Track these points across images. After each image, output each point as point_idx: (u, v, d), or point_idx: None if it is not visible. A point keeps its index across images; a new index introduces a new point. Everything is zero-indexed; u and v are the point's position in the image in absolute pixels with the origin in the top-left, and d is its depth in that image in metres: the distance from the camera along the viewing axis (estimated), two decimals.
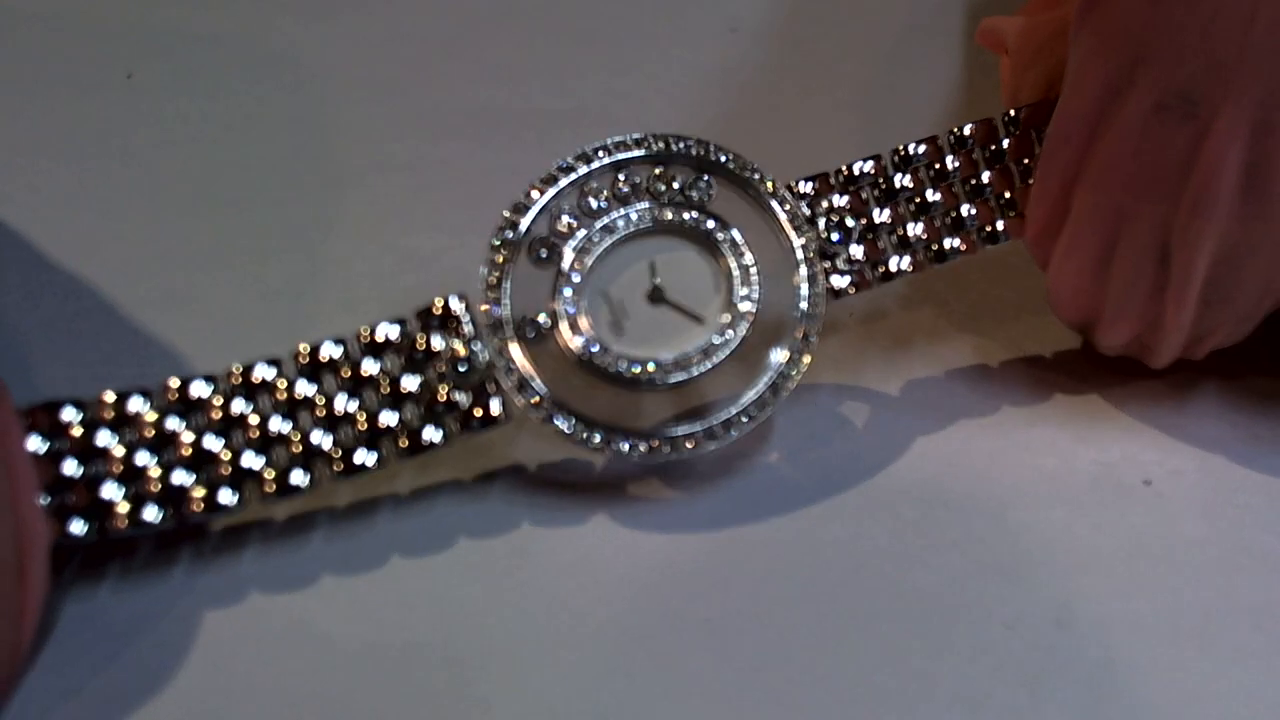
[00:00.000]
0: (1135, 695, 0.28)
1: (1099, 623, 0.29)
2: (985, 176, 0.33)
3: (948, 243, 0.33)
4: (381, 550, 0.31)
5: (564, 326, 0.31)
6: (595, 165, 0.31)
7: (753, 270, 0.32)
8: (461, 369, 0.30)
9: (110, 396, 0.29)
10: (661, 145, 0.31)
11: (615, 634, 0.29)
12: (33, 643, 0.28)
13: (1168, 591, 0.30)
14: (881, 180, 0.33)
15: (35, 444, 0.29)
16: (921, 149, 0.33)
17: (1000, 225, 0.33)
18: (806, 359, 0.32)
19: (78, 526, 0.28)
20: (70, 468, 0.29)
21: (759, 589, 0.30)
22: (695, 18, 0.49)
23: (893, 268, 0.33)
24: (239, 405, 0.30)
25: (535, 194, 0.31)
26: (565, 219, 0.31)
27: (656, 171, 0.31)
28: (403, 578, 0.30)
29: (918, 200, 0.33)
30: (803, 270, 0.32)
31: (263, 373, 0.30)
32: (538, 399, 0.31)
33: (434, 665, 0.28)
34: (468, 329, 0.31)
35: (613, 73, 0.47)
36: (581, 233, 0.31)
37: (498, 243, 0.31)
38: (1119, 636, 0.29)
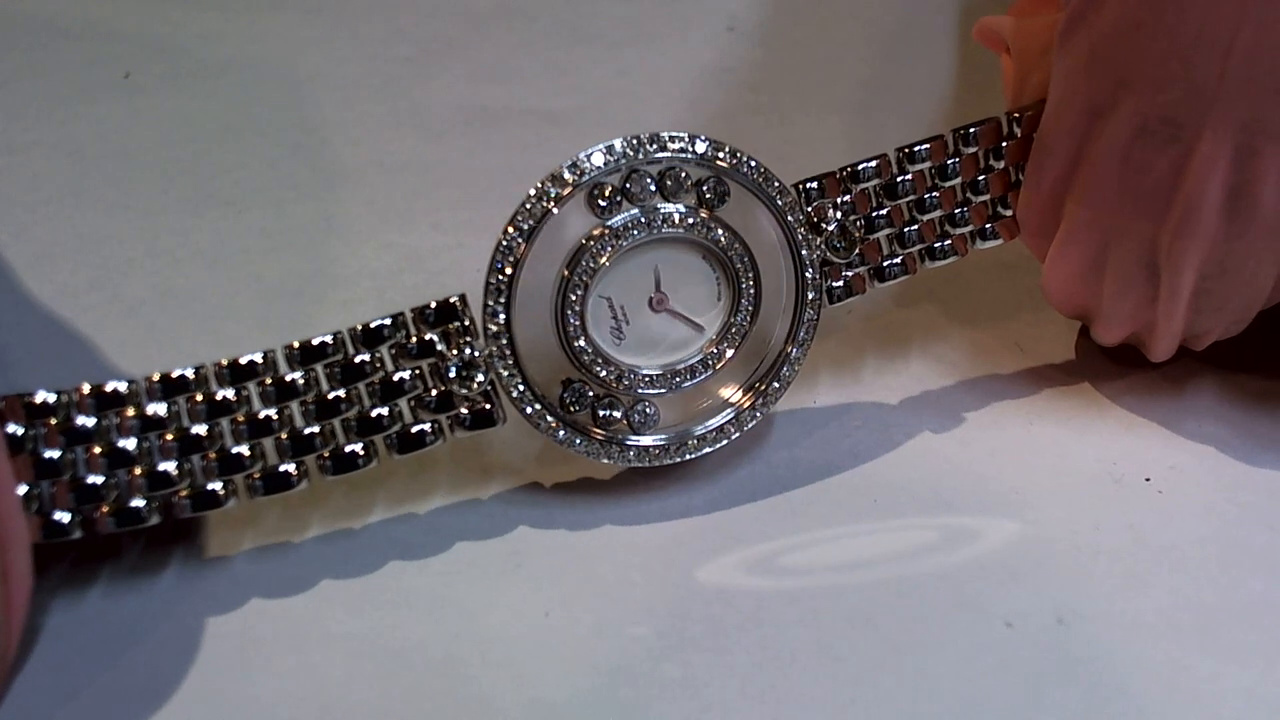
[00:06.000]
0: (1136, 693, 0.28)
1: (1100, 621, 0.29)
2: (982, 178, 0.33)
3: (941, 243, 0.33)
4: (379, 551, 0.31)
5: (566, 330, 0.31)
6: (603, 166, 0.30)
7: (755, 278, 0.31)
8: (458, 368, 0.30)
9: (87, 387, 0.28)
10: (673, 146, 0.30)
11: (614, 634, 0.29)
12: (20, 642, 0.28)
13: (1168, 589, 0.30)
14: (885, 180, 0.33)
15: (11, 429, 0.27)
16: (926, 148, 0.33)
17: (991, 227, 0.34)
18: (799, 365, 0.32)
19: (61, 518, 0.28)
20: (50, 461, 0.28)
21: (758, 588, 0.30)
22: (693, 17, 0.49)
23: (888, 270, 0.33)
24: (224, 394, 0.29)
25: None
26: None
27: (666, 174, 0.30)
28: (400, 578, 0.30)
29: (916, 201, 0.33)
30: (804, 278, 0.32)
31: (250, 363, 0.29)
32: (535, 403, 0.31)
33: (432, 666, 0.28)
34: (466, 329, 0.30)
35: (612, 73, 0.47)
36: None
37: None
38: (1120, 634, 0.29)
